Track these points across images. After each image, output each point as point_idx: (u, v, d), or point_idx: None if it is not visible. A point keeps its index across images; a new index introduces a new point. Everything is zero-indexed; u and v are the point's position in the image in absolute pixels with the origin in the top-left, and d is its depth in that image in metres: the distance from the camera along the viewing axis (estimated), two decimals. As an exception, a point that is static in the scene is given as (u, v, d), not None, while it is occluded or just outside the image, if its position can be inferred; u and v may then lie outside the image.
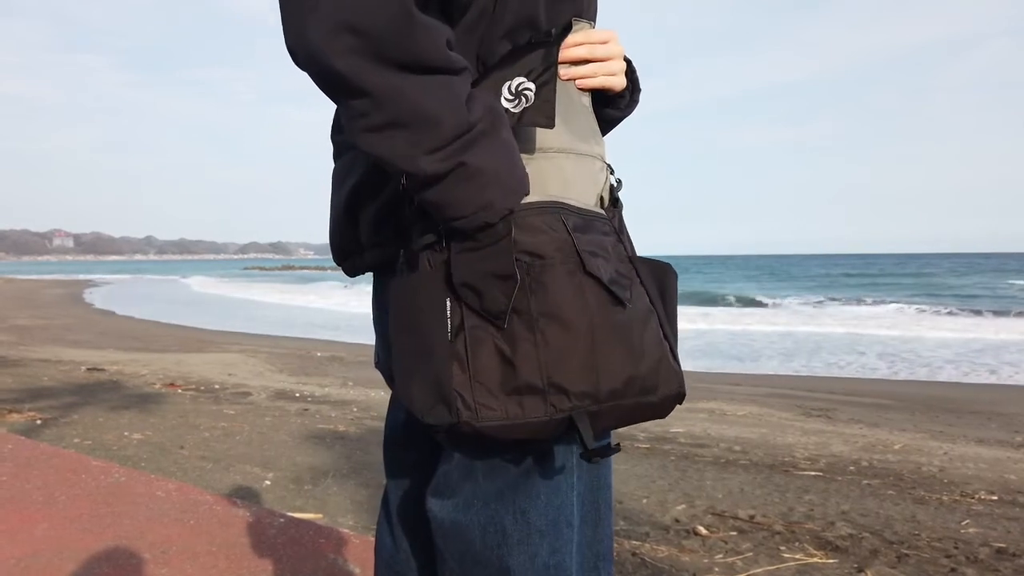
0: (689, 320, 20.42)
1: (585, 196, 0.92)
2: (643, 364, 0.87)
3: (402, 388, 0.87)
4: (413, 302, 0.85)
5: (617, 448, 0.88)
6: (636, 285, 0.91)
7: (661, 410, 0.92)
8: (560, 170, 0.89)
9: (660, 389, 0.90)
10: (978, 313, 24.57)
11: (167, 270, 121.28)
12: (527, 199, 0.84)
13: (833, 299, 30.65)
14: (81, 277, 65.62)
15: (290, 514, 2.98)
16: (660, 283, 0.97)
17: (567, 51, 0.90)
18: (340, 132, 1.03)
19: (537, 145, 0.87)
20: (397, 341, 0.88)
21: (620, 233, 0.96)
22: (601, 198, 0.96)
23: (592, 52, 0.92)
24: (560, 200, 0.87)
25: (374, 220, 0.93)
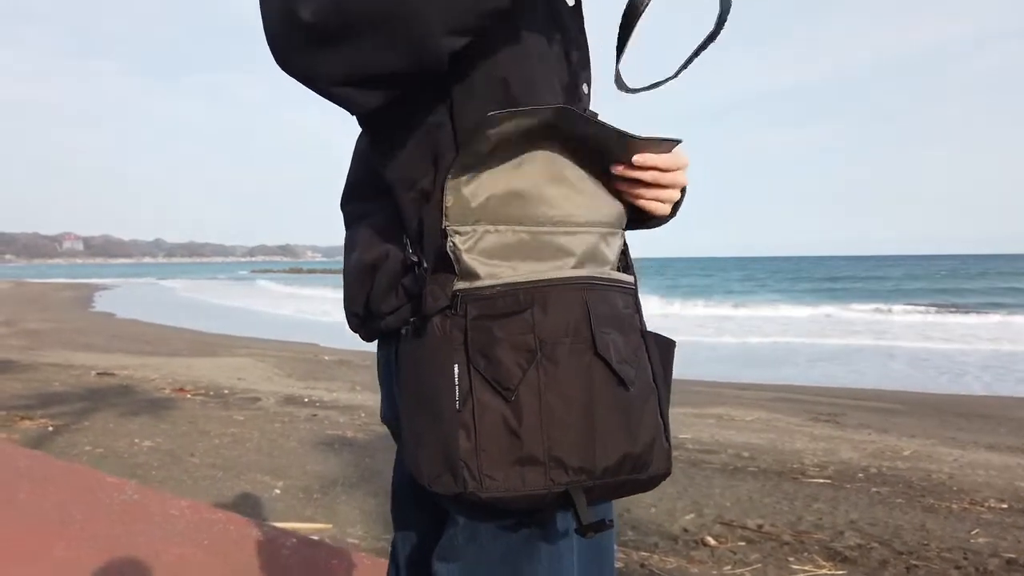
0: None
1: (607, 265, 0.95)
2: (639, 443, 0.89)
3: (409, 454, 0.88)
4: (423, 368, 0.86)
5: (611, 524, 0.89)
6: (643, 362, 0.93)
7: (648, 486, 0.94)
8: (584, 244, 0.91)
9: (651, 467, 0.92)
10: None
11: (175, 273, 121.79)
12: (553, 274, 0.87)
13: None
14: (91, 281, 65.95)
15: (300, 526, 3.00)
16: (664, 359, 0.99)
17: (634, 171, 0.92)
18: (349, 202, 1.06)
19: (562, 220, 0.89)
20: (405, 405, 0.90)
21: (638, 304, 0.98)
22: (618, 263, 0.99)
23: (656, 179, 0.94)
24: (584, 276, 0.89)
25: (386, 287, 0.95)
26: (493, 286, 0.85)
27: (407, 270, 0.92)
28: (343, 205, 1.07)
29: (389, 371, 1.04)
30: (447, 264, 0.85)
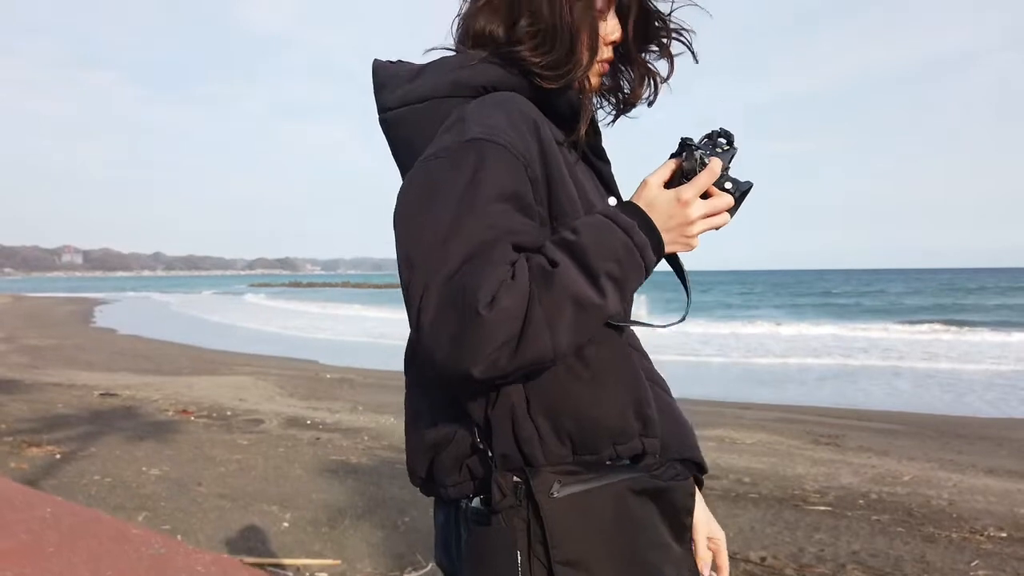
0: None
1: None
2: None
3: None
4: (488, 555, 0.94)
5: None
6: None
7: None
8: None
9: None
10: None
11: (175, 286, 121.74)
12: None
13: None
14: (91, 295, 65.96)
15: (311, 562, 3.04)
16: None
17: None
18: (412, 367, 1.10)
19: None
20: None
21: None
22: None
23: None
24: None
25: (451, 465, 1.01)
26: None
27: (473, 451, 0.98)
28: (406, 367, 1.11)
29: (447, 530, 1.09)
30: (515, 463, 0.95)
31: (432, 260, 0.84)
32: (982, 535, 4.41)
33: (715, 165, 0.95)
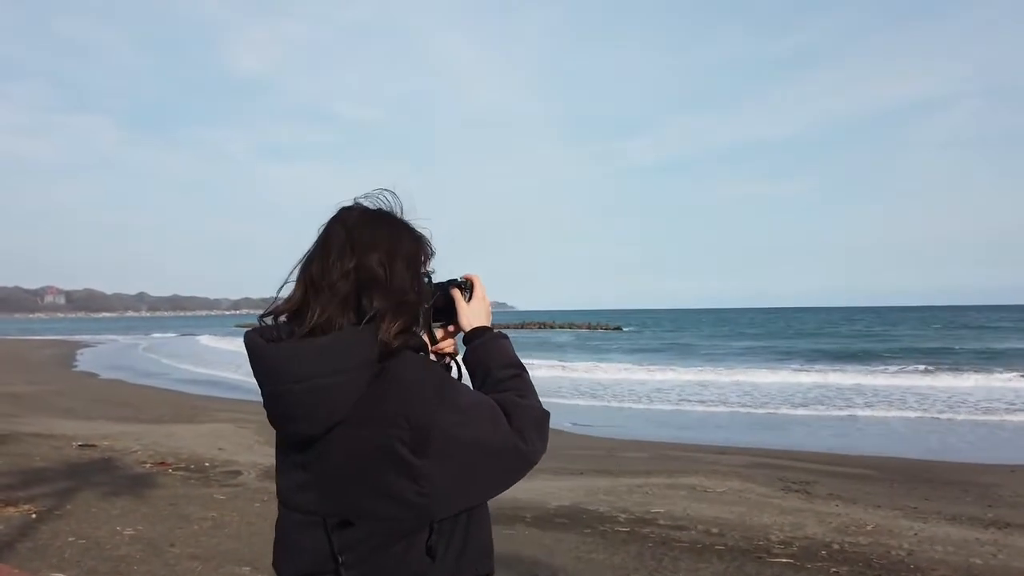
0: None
1: None
2: None
3: None
4: None
5: None
6: None
7: None
8: None
9: None
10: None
11: (159, 327, 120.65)
12: None
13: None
14: (73, 338, 65.32)
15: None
16: None
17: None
18: None
19: None
20: None
21: None
22: None
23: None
24: None
25: None
26: None
27: None
28: None
29: None
30: None
31: None
32: (935, 587, 4.54)
33: (474, 278, 1.56)
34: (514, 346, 1.53)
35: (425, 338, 1.42)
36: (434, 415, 1.23)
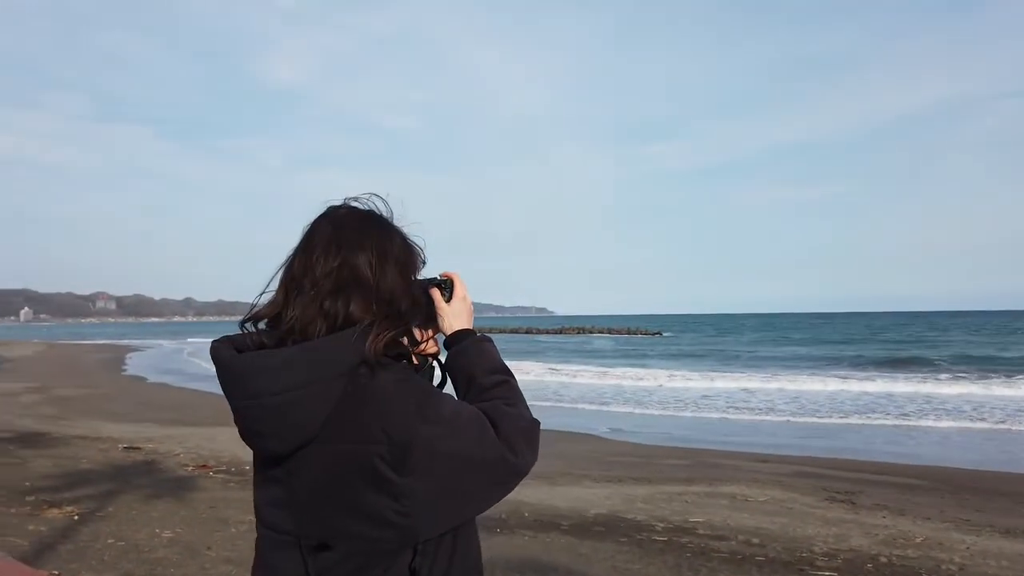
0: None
1: None
2: None
3: None
4: None
5: None
6: None
7: None
8: None
9: None
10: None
11: (204, 331, 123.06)
12: None
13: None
14: (122, 342, 67.05)
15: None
16: None
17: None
18: None
19: None
20: None
21: None
22: None
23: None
24: None
25: None
26: None
27: None
28: None
29: None
30: None
31: None
32: (988, 604, 4.35)
33: (455, 276, 1.44)
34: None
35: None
36: (415, 428, 1.14)
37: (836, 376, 26.90)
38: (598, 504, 7.10)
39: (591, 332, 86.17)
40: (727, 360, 38.62)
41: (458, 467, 1.17)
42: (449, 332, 1.42)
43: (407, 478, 1.12)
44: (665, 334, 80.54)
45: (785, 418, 16.57)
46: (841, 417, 16.50)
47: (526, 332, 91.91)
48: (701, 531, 6.12)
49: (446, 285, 1.44)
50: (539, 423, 1.33)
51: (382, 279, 1.22)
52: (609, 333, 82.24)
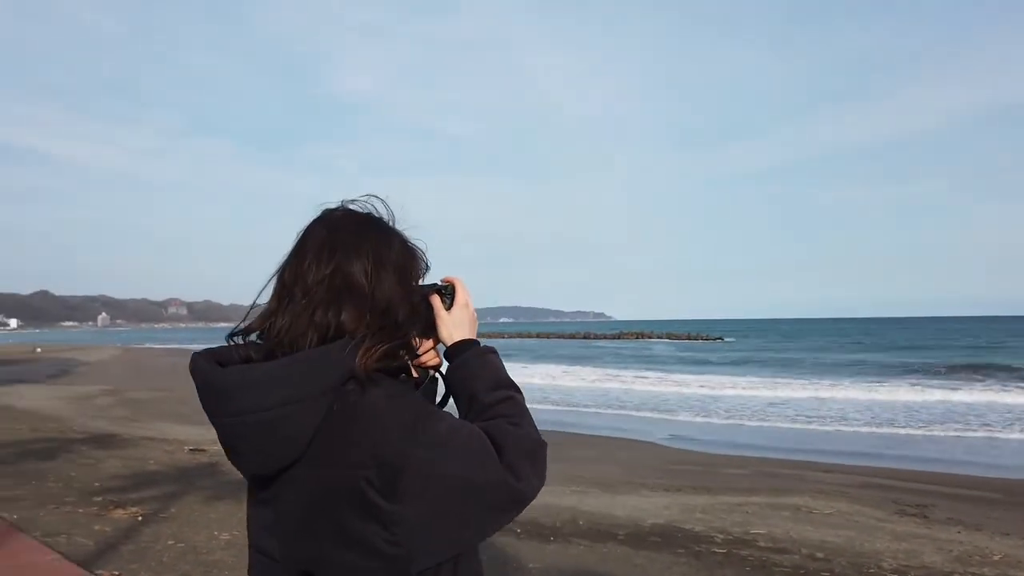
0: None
1: None
2: None
3: None
4: None
5: None
6: None
7: None
8: None
9: None
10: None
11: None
12: None
13: None
14: (193, 347, 68.61)
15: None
16: None
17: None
18: None
19: None
20: None
21: None
22: None
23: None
24: None
25: None
26: None
27: None
28: None
29: None
30: None
31: None
32: (1074, 629, 4.08)
33: (456, 281, 1.32)
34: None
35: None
36: (406, 450, 1.04)
37: (910, 383, 25.91)
38: (655, 513, 6.95)
39: (650, 337, 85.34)
40: (793, 366, 37.61)
41: (454, 493, 1.07)
42: (449, 342, 1.30)
43: (397, 504, 1.03)
44: (727, 339, 79.09)
45: (856, 428, 15.97)
46: (920, 427, 15.75)
47: (583, 337, 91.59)
48: (762, 544, 5.92)
49: (447, 291, 1.32)
50: (546, 444, 1.21)
51: (378, 287, 1.14)
52: (668, 338, 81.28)
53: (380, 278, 1.14)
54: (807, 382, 26.88)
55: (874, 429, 15.66)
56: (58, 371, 29.21)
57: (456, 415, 1.21)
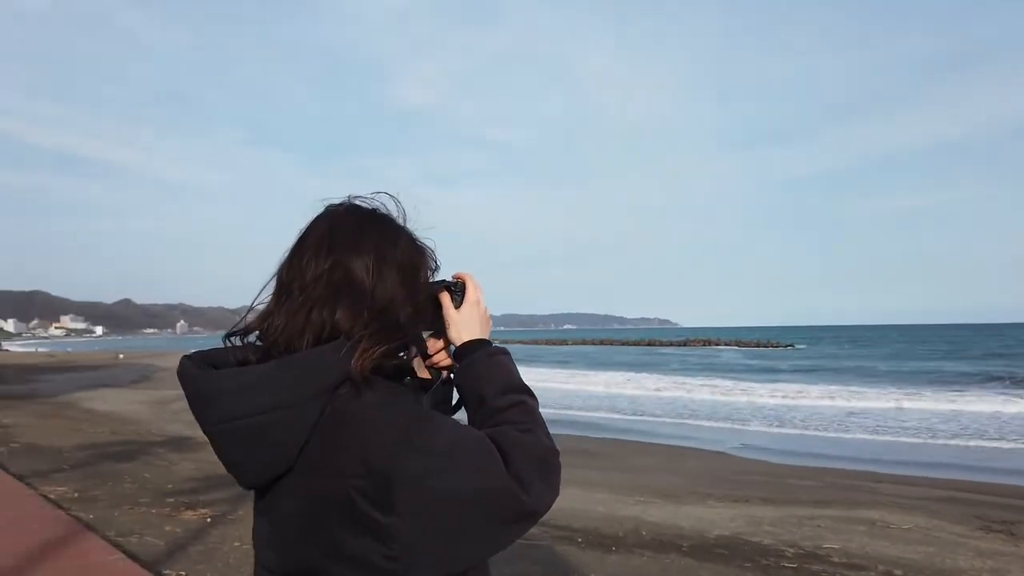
0: None
1: None
2: None
3: None
4: None
5: None
6: None
7: None
8: None
9: None
10: None
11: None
12: None
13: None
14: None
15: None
16: None
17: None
18: None
19: None
20: None
21: None
22: None
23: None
24: None
25: None
26: None
27: None
28: None
29: None
30: None
31: None
32: None
33: (467, 278, 1.26)
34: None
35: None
36: (401, 458, 0.98)
37: (996, 393, 24.64)
38: (721, 525, 6.76)
39: (717, 344, 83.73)
40: (868, 375, 36.35)
41: (456, 505, 1.00)
42: (458, 343, 1.23)
43: (394, 517, 0.97)
44: (798, 346, 76.98)
45: (945, 441, 15.19)
46: (1014, 440, 14.89)
47: (648, 344, 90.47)
48: (835, 559, 5.68)
49: (457, 288, 1.24)
50: (557, 452, 1.14)
51: (380, 284, 1.07)
52: (737, 346, 79.52)
53: (382, 275, 1.08)
54: (884, 391, 25.86)
55: (961, 442, 14.89)
56: (139, 376, 30.39)
57: (466, 421, 1.16)
